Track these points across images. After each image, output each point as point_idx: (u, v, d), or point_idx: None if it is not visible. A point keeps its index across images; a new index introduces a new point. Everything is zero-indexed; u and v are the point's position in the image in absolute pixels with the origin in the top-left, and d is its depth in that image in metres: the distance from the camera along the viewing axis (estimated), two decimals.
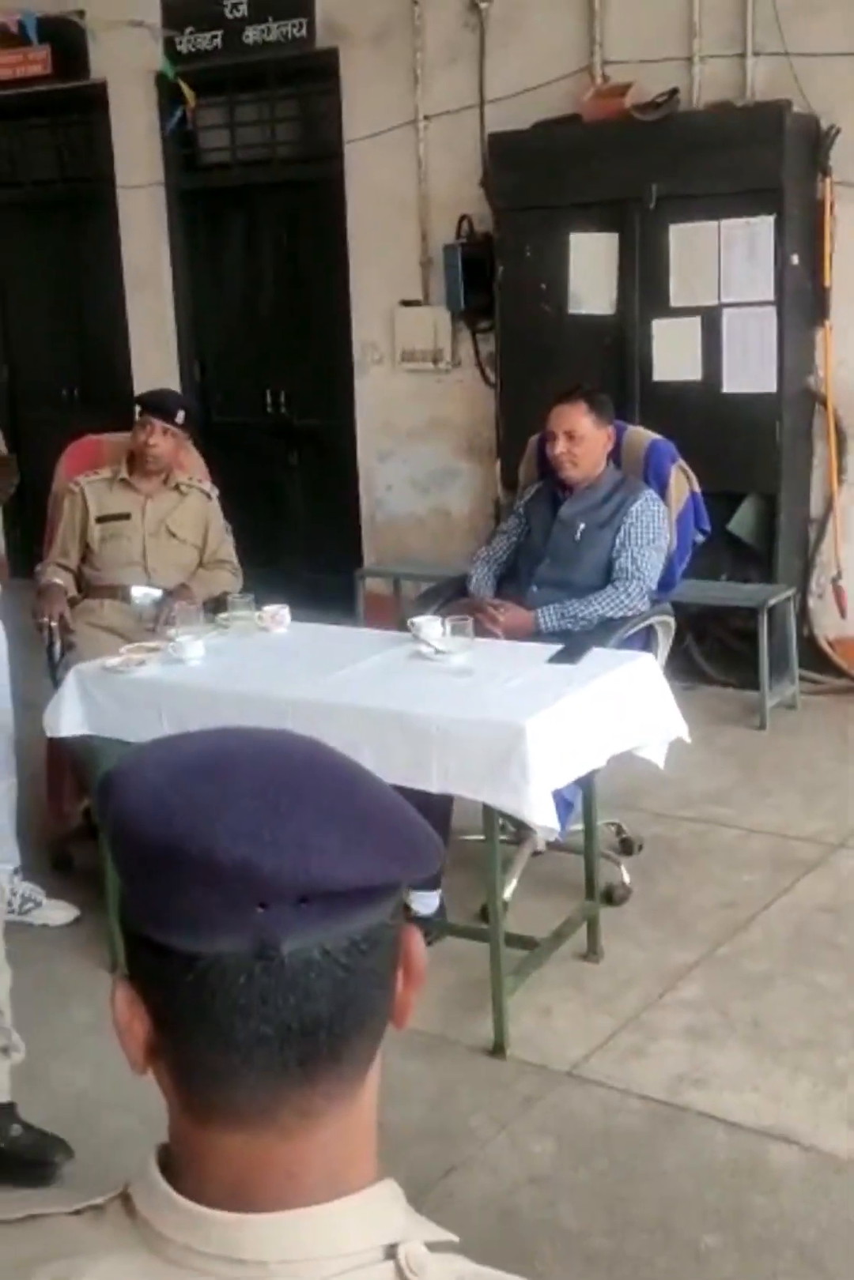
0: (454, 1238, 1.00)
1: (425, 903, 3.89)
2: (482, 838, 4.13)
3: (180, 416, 4.62)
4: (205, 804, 0.87)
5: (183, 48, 7.71)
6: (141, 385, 8.29)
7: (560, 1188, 2.92)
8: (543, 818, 3.19)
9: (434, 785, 3.29)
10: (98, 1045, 3.53)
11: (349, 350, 7.48)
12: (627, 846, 4.49)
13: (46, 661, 4.39)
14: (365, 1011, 0.92)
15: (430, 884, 3.89)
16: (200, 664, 3.74)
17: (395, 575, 7.12)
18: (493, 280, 6.62)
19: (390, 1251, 0.91)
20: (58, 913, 4.21)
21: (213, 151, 8.08)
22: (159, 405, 4.63)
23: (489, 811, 3.29)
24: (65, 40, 7.91)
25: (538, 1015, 3.60)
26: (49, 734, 3.84)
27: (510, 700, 3.34)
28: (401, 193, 7.16)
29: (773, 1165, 2.95)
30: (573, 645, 3.74)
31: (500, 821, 4.19)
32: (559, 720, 3.32)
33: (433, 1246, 0.97)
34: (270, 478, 8.00)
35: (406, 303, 7.23)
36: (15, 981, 3.67)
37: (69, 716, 3.75)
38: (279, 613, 4.08)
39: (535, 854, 4.24)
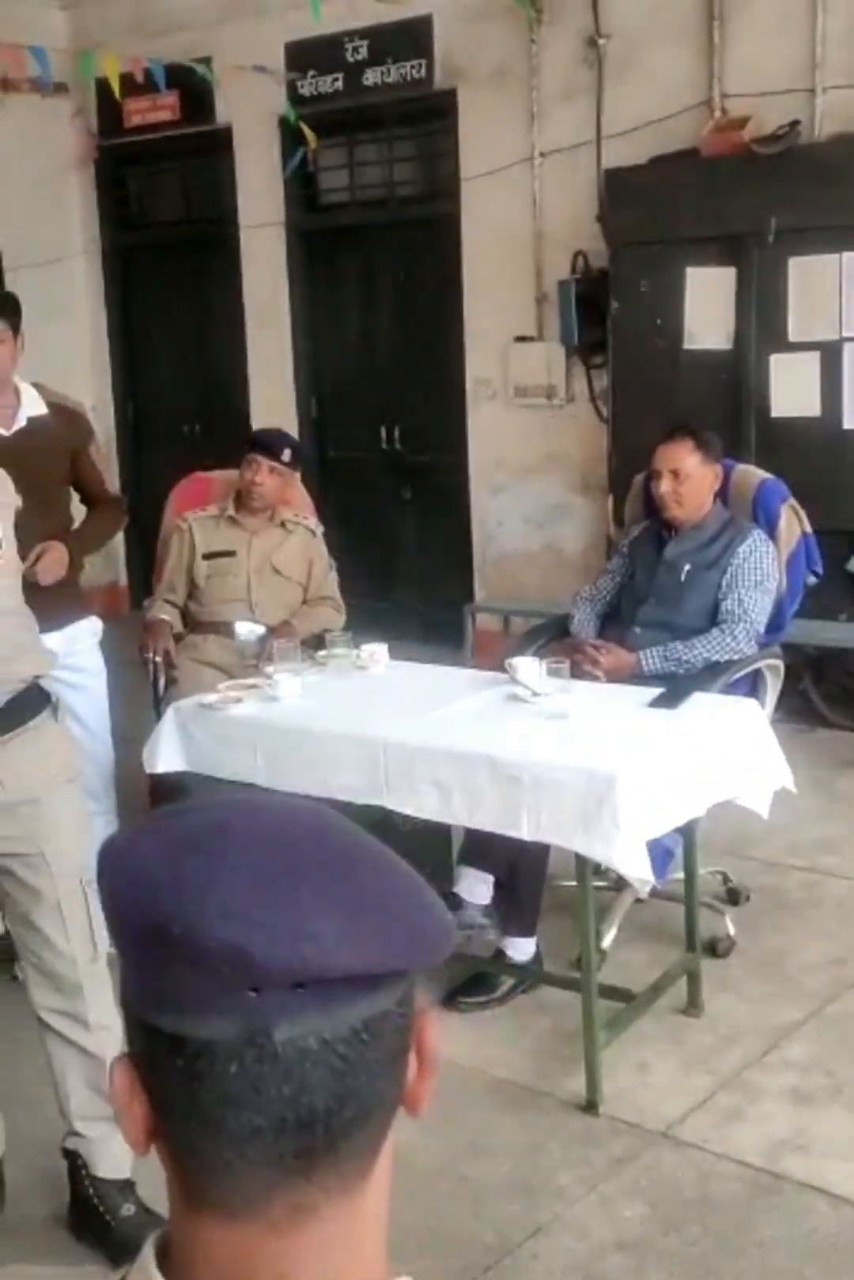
0: None
1: (521, 949, 3.81)
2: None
3: (286, 455, 4.63)
4: (195, 881, 0.83)
5: (305, 91, 7.81)
6: (260, 422, 8.39)
7: (649, 1255, 2.82)
8: (634, 868, 3.11)
9: (524, 832, 3.22)
10: None
11: (463, 386, 7.47)
12: (733, 896, 4.36)
13: (151, 696, 4.43)
14: (368, 1104, 0.86)
15: (526, 930, 3.82)
16: (296, 702, 3.73)
17: (504, 611, 7.07)
18: (607, 316, 6.56)
19: None
20: None
21: (332, 192, 8.16)
22: (265, 444, 4.65)
23: (582, 859, 3.21)
24: (193, 86, 8.06)
25: (634, 1071, 3.49)
26: (146, 769, 3.85)
27: (604, 746, 3.26)
28: (517, 229, 7.14)
29: None
30: (674, 689, 3.64)
31: (599, 868, 4.16)
32: (654, 768, 3.24)
33: None
34: (384, 513, 8.02)
35: (521, 338, 7.20)
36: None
37: (166, 752, 3.76)
38: (377, 651, 4.05)
39: (637, 901, 4.13)
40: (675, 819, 3.34)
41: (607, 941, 4.00)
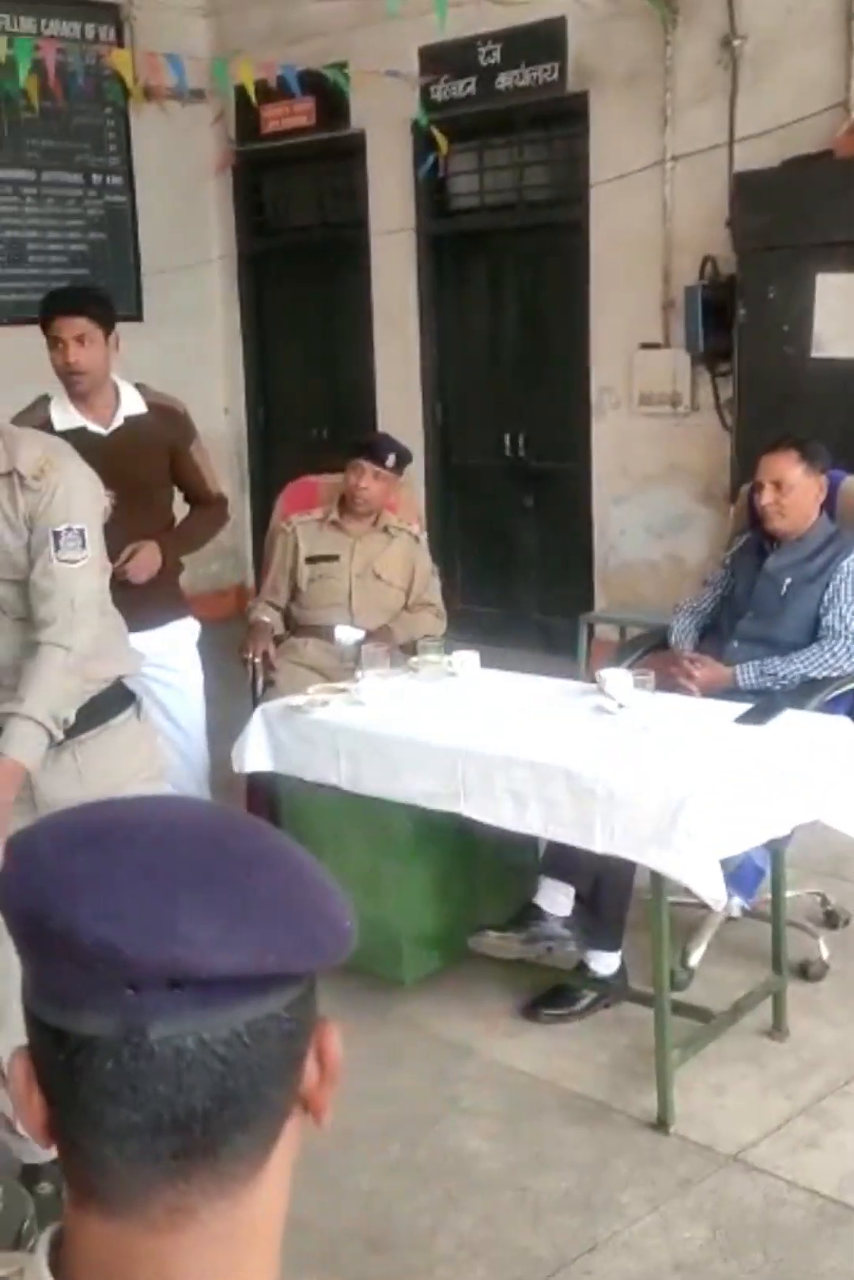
0: None
1: (604, 963, 3.77)
2: (675, 901, 4.04)
3: (391, 460, 4.65)
4: (78, 878, 0.84)
5: (438, 96, 7.83)
6: (386, 427, 8.45)
7: (706, 1279, 2.77)
8: (707, 886, 3.05)
9: (598, 845, 3.19)
10: None
11: (587, 393, 7.42)
12: (831, 919, 4.25)
13: (250, 697, 4.49)
14: (250, 1108, 0.86)
15: (610, 944, 3.77)
16: (380, 707, 3.74)
17: (620, 621, 6.99)
18: (734, 323, 6.45)
19: None
20: None
21: (463, 196, 8.16)
22: (370, 449, 4.68)
23: (656, 874, 3.16)
24: (328, 91, 8.15)
25: (710, 1092, 3.43)
26: (234, 768, 3.91)
27: (682, 761, 3.22)
28: (645, 234, 7.06)
29: None
30: (763, 706, 3.57)
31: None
32: (732, 785, 3.18)
33: None
34: (506, 520, 8.01)
35: (646, 346, 7.12)
36: None
37: (254, 752, 3.81)
38: (468, 658, 4.05)
39: (731, 920, 4.07)
40: (754, 838, 3.27)
41: (694, 959, 3.95)
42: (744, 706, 3.63)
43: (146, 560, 3.94)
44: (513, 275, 7.93)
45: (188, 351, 8.83)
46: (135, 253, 8.79)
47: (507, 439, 7.93)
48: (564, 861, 3.61)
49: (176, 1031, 0.82)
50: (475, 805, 3.38)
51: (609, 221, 7.20)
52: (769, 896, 4.17)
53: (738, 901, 3.91)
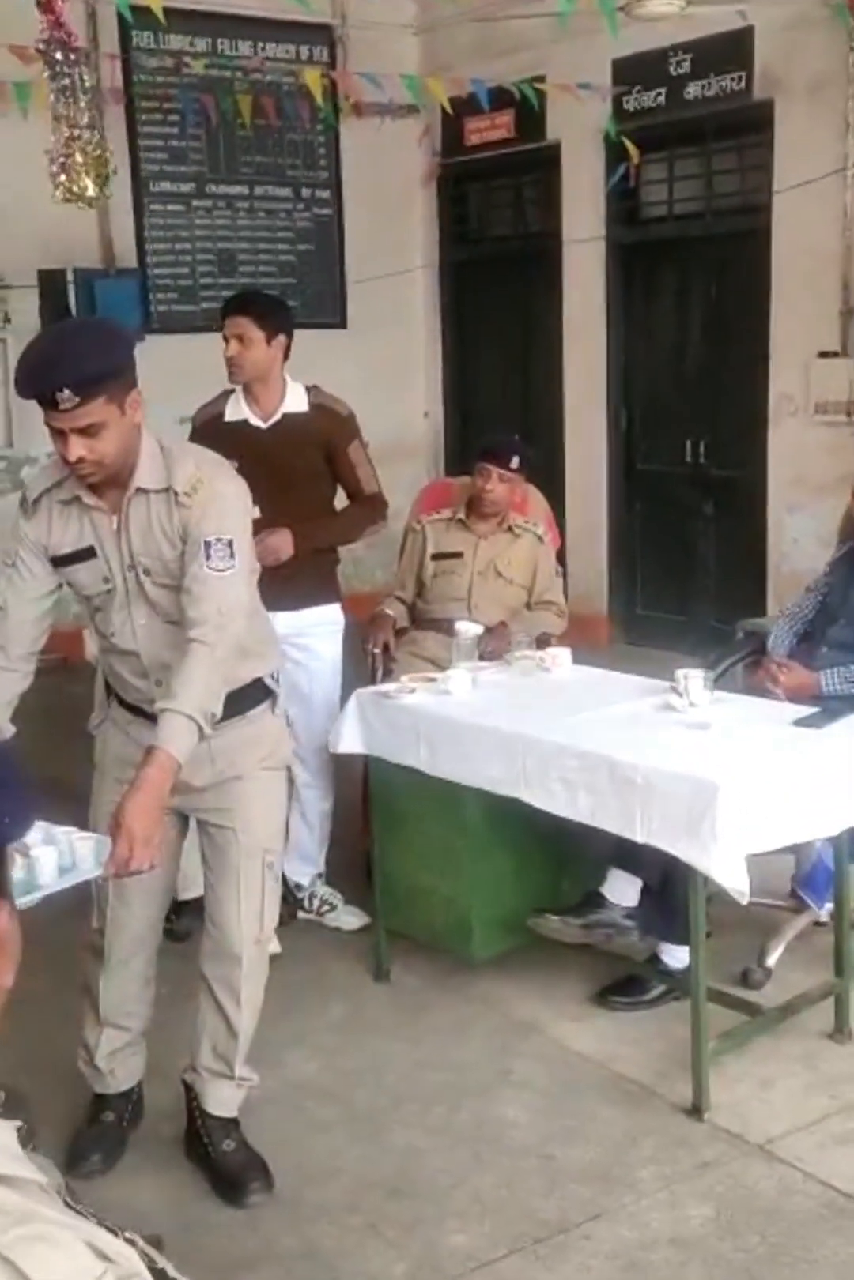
0: (39, 1177, 1.15)
1: (676, 957, 3.86)
2: (763, 902, 4.10)
3: (515, 462, 4.82)
4: None
5: (629, 106, 7.95)
6: (573, 433, 8.63)
7: (697, 1254, 2.87)
8: (732, 880, 3.14)
9: (638, 834, 3.31)
10: (337, 1044, 3.82)
11: (766, 401, 7.40)
12: None
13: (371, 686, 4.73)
14: None
15: (681, 937, 3.85)
16: (464, 697, 3.93)
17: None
18: None
19: None
20: (351, 918, 4.53)
21: (652, 205, 8.24)
22: (495, 452, 4.85)
23: (692, 869, 3.25)
24: (526, 105, 8.35)
25: (757, 1086, 3.50)
26: (330, 748, 4.16)
27: (723, 757, 3.30)
28: (826, 242, 7.03)
29: None
30: (829, 710, 3.61)
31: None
32: (770, 783, 3.25)
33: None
34: (685, 525, 8.05)
35: (824, 354, 7.07)
36: (298, 974, 4.04)
37: (349, 735, 4.05)
38: (560, 655, 4.19)
39: (818, 925, 4.10)
40: (792, 837, 3.33)
41: (771, 960, 4.00)
42: (800, 710, 3.67)
43: (274, 544, 4.20)
44: (699, 283, 7.97)
45: (390, 358, 9.19)
46: (341, 263, 9.19)
47: (688, 446, 7.98)
48: (633, 854, 3.72)
49: None
50: (533, 792, 3.53)
51: (791, 229, 7.18)
52: None
53: (828, 907, 3.95)
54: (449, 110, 7.74)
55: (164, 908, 3.29)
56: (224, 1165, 3.15)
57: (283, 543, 4.29)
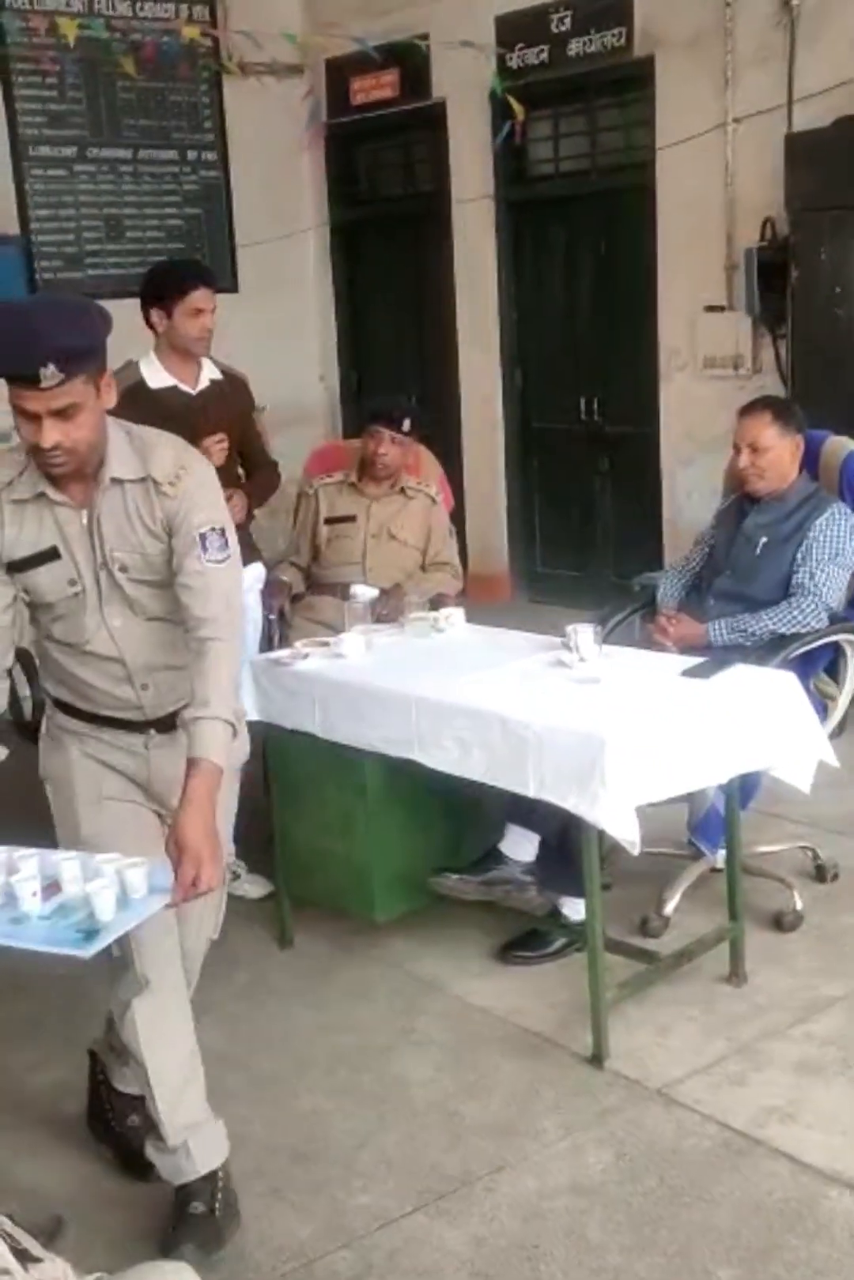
0: None
1: (576, 909, 3.91)
2: (661, 851, 4.17)
3: (406, 424, 4.82)
4: None
5: (513, 63, 7.94)
6: (468, 392, 8.64)
7: (599, 1200, 2.92)
8: (621, 830, 3.18)
9: (531, 789, 3.34)
10: (242, 1011, 3.82)
11: (656, 357, 7.47)
12: (820, 873, 4.32)
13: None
14: None
15: (581, 890, 3.90)
16: (357, 661, 3.94)
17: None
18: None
19: None
20: (254, 887, 4.52)
21: (539, 163, 8.26)
22: (386, 414, 4.85)
23: (584, 822, 3.29)
24: (411, 63, 8.32)
25: (655, 1032, 3.56)
26: None
27: (609, 710, 3.34)
28: (709, 197, 7.10)
29: (822, 1211, 2.83)
30: (711, 661, 3.66)
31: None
32: (656, 733, 3.29)
33: None
34: (582, 482, 8.12)
35: (710, 308, 7.15)
36: None
37: (245, 703, 4.03)
38: (453, 615, 4.21)
39: (715, 871, 4.17)
40: (681, 786, 3.38)
41: (669, 908, 4.07)
42: (687, 661, 3.73)
43: (239, 506, 4.20)
44: (587, 240, 8.00)
45: (282, 321, 9.10)
46: (229, 226, 9.09)
47: (582, 403, 8.03)
48: (530, 809, 3.75)
49: None
50: (426, 752, 3.55)
51: (675, 185, 7.24)
52: (758, 849, 4.30)
53: (721, 853, 4.02)
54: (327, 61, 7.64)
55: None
56: (131, 1140, 3.13)
57: (243, 504, 4.33)
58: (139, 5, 8.51)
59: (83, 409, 2.54)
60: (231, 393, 4.49)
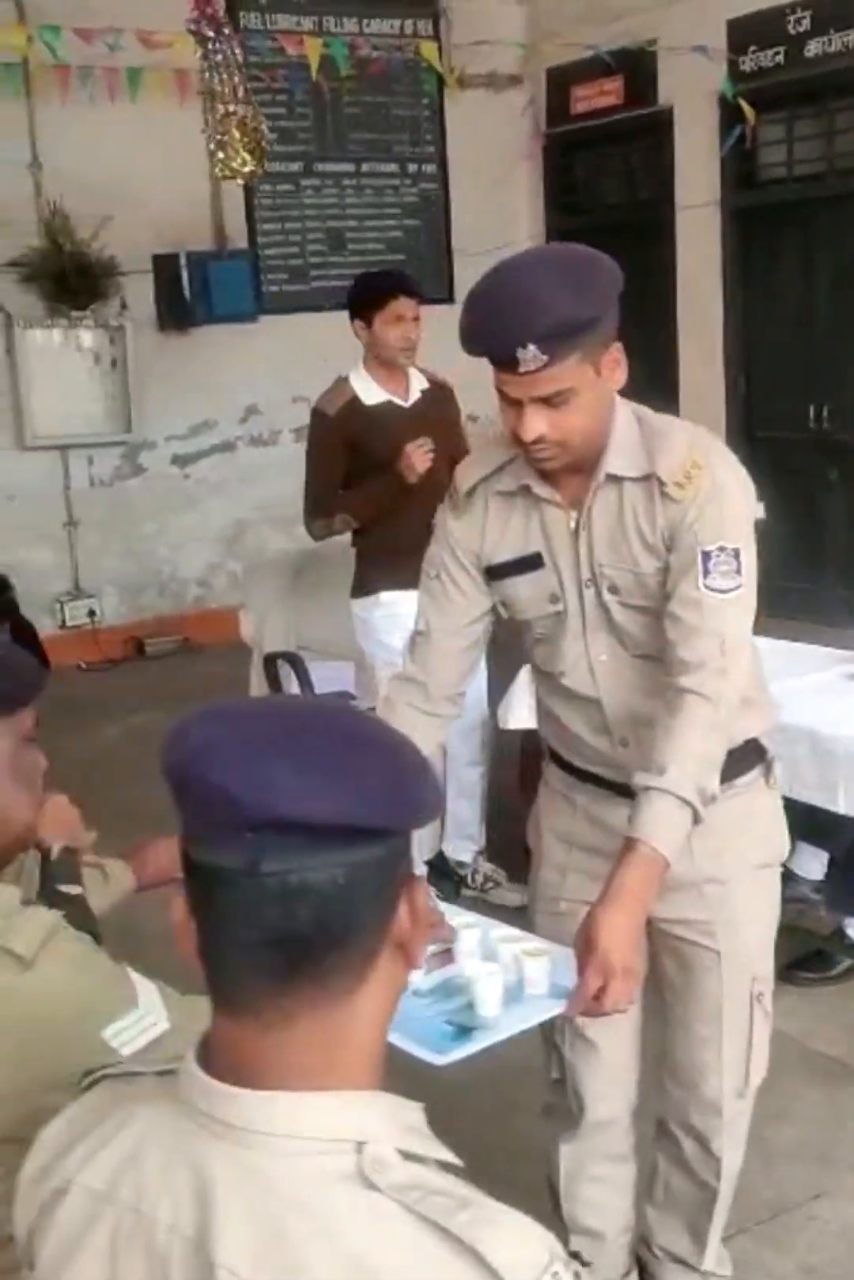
0: (455, 1160, 1.12)
1: None
2: None
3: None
4: (210, 741, 1.10)
5: (745, 67, 7.81)
6: (689, 400, 8.51)
7: None
8: None
9: (840, 806, 3.25)
10: None
11: None
12: None
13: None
14: (344, 936, 1.09)
15: None
16: None
17: None
18: None
19: (359, 1148, 1.07)
20: (514, 895, 4.48)
21: (769, 167, 8.10)
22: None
23: None
24: (637, 70, 8.26)
25: None
26: (500, 726, 4.12)
27: None
28: None
29: None
30: None
31: None
32: None
33: (443, 1166, 1.10)
34: (810, 493, 7.92)
35: None
36: None
37: (517, 711, 4.01)
38: None
39: None
40: None
41: None
42: None
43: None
44: (821, 245, 7.80)
45: None
46: (447, 237, 9.13)
47: (812, 411, 7.84)
48: (818, 826, 3.65)
49: (284, 868, 1.06)
50: None
51: None
52: None
53: None
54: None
55: (637, 1051, 2.46)
56: None
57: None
58: (366, 23, 8.61)
59: (577, 394, 2.03)
60: (443, 401, 4.46)
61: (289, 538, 8.52)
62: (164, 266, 8.04)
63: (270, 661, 4.50)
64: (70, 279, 7.67)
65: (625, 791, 2.12)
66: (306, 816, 1.05)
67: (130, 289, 7.97)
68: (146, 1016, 1.54)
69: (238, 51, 4.98)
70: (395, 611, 4.20)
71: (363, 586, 4.32)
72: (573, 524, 2.17)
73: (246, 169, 5.15)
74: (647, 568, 2.13)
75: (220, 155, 5.09)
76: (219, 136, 5.04)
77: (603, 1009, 1.94)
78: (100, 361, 8.04)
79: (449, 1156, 1.11)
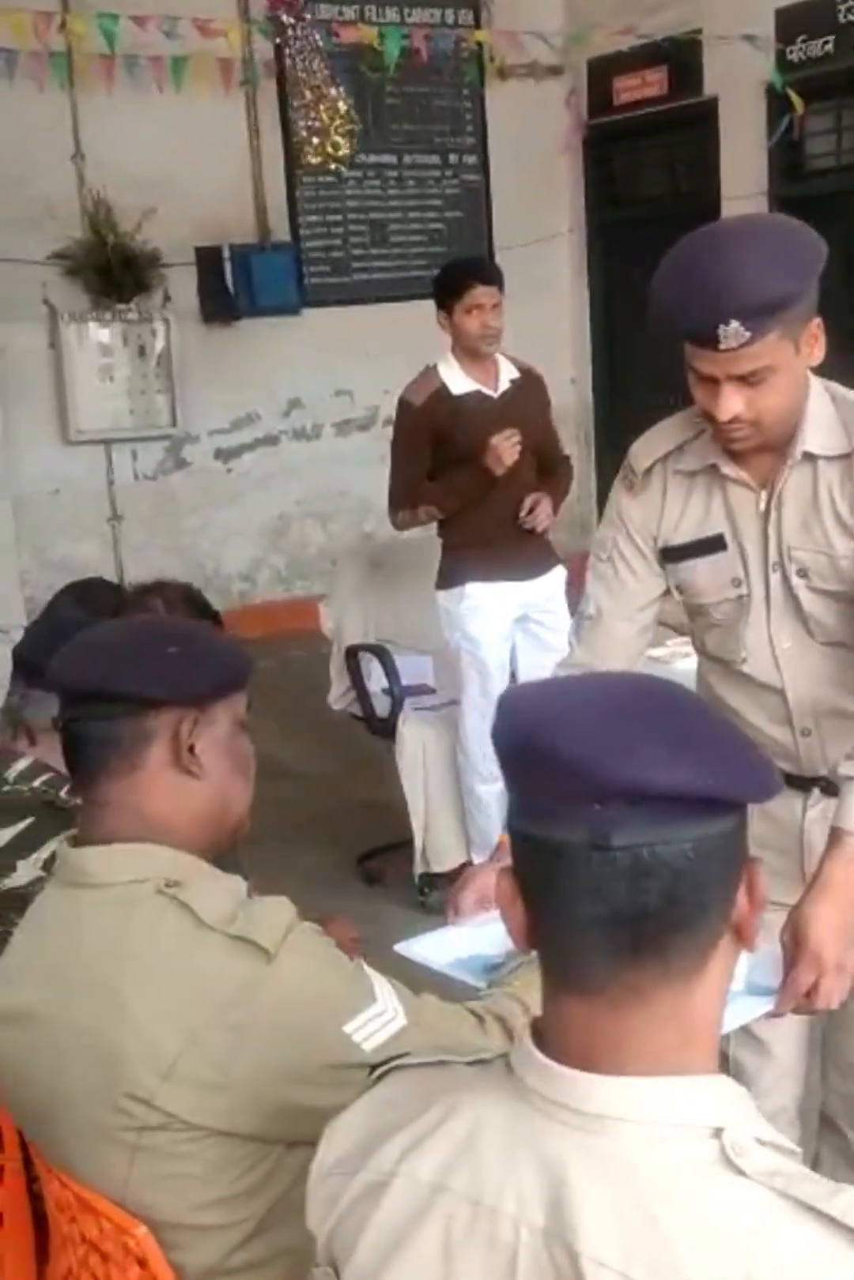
0: (796, 1148, 1.07)
1: None
2: None
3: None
4: (555, 714, 1.05)
5: (793, 57, 7.75)
6: None
7: None
8: None
9: None
10: None
11: None
12: None
13: None
14: (692, 914, 1.05)
15: None
16: None
17: None
18: None
19: (717, 1133, 1.02)
20: None
21: (817, 157, 8.05)
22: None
23: None
24: (681, 60, 8.20)
25: None
26: None
27: None
28: None
29: None
30: None
31: None
32: None
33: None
34: None
35: None
36: None
37: None
38: None
39: None
40: None
41: None
42: None
43: (544, 513, 4.20)
44: None
45: (538, 323, 9.03)
46: (488, 229, 9.08)
47: None
48: None
49: (634, 841, 1.02)
50: None
51: None
52: None
53: None
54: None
55: (809, 1047, 2.40)
56: None
57: (549, 508, 4.28)
58: (407, 12, 8.56)
59: (775, 371, 1.94)
60: (532, 390, 4.44)
61: (326, 535, 8.53)
62: (207, 259, 7.99)
63: (352, 653, 4.46)
64: (114, 271, 7.61)
65: (799, 782, 2.12)
66: (669, 785, 1.01)
67: (173, 281, 7.92)
68: (385, 1011, 1.50)
69: (317, 37, 4.93)
70: (480, 604, 4.18)
71: (448, 578, 4.28)
72: (762, 504, 2.09)
73: (341, 153, 5.10)
74: (842, 550, 2.05)
75: (314, 141, 5.03)
76: (310, 122, 4.98)
77: (814, 1006, 1.89)
78: (144, 355, 7.99)
79: (791, 1144, 1.07)
